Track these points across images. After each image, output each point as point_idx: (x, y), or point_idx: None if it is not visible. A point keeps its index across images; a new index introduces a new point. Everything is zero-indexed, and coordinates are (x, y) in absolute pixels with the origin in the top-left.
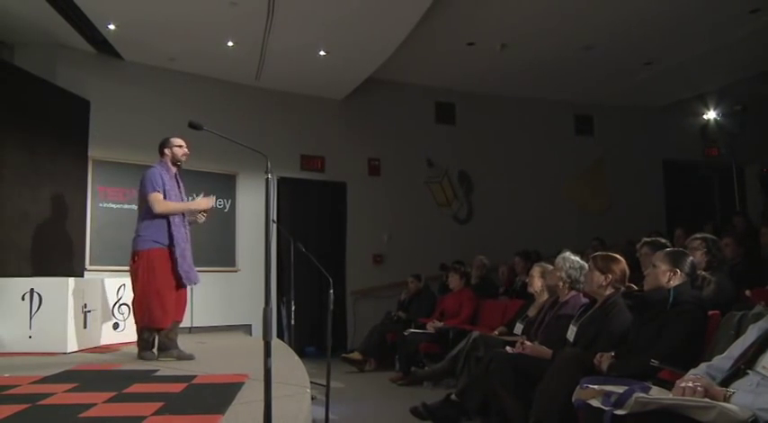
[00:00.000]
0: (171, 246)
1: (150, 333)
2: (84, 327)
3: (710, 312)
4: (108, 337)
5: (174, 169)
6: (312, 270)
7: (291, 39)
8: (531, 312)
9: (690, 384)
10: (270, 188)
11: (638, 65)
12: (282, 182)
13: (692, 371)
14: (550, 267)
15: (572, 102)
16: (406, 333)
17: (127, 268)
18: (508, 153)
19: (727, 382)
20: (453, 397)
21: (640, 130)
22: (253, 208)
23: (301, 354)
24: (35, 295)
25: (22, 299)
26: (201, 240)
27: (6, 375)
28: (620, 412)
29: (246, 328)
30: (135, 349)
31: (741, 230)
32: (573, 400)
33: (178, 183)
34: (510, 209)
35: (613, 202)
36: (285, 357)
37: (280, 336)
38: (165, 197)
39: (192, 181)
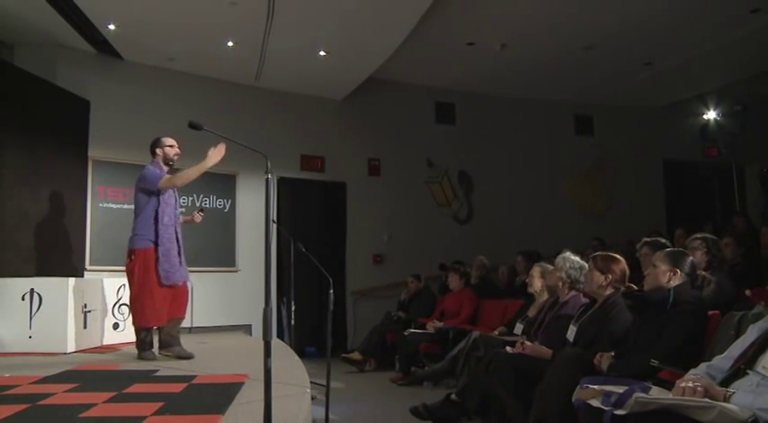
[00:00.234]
0: (156, 244)
1: (147, 332)
2: (84, 327)
3: (710, 312)
4: (108, 337)
5: (166, 169)
6: (312, 270)
7: (291, 39)
8: (531, 312)
9: (690, 384)
10: (270, 188)
11: (638, 65)
12: (282, 182)
13: (692, 371)
14: (550, 267)
15: (572, 102)
16: (406, 333)
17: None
18: (508, 153)
19: (727, 382)
20: (453, 397)
21: (640, 130)
22: (253, 208)
23: (301, 354)
24: (35, 295)
25: (22, 299)
26: (201, 240)
27: (6, 375)
28: (620, 412)
29: (246, 328)
30: (135, 349)
31: (741, 230)
32: (573, 400)
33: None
34: (510, 209)
35: (613, 202)
36: (285, 357)
37: (280, 336)
38: (160, 195)
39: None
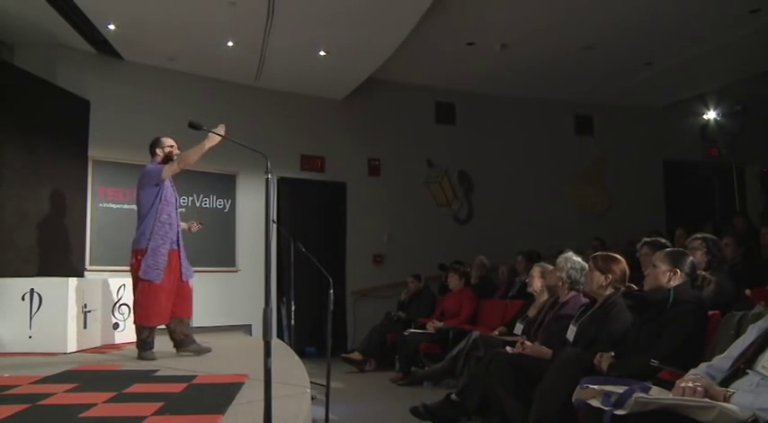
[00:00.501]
0: (148, 239)
1: (150, 332)
2: (84, 327)
3: (710, 312)
4: (108, 337)
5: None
6: (312, 270)
7: (291, 39)
8: (531, 313)
9: (690, 384)
10: (270, 188)
11: (638, 65)
12: (282, 182)
13: (692, 371)
14: (550, 267)
15: (572, 102)
16: (406, 333)
17: (127, 268)
18: (508, 153)
19: (726, 381)
20: (453, 397)
21: (640, 130)
22: (253, 208)
23: (301, 354)
24: (35, 295)
25: (22, 299)
26: (201, 240)
27: (6, 375)
28: (620, 412)
29: (246, 328)
30: (134, 350)
31: (741, 230)
32: (573, 400)
33: (171, 181)
34: (510, 209)
35: (613, 202)
36: (285, 357)
37: (280, 336)
38: (159, 193)
39: (192, 181)
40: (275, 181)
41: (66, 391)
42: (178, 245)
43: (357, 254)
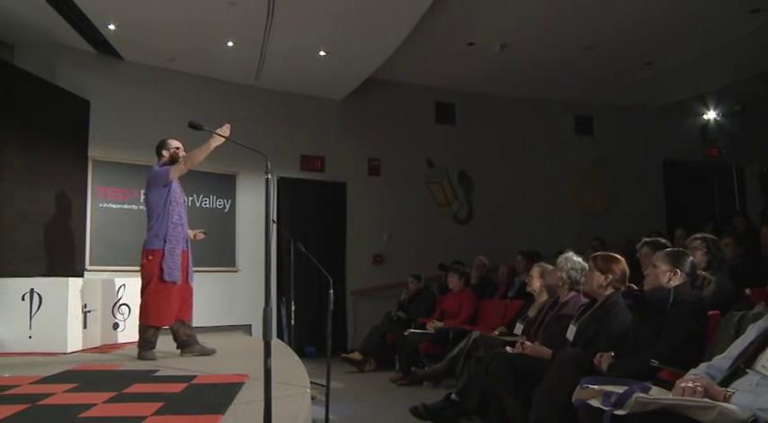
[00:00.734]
0: (164, 241)
1: (155, 332)
2: (84, 327)
3: (710, 312)
4: (108, 337)
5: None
6: (312, 270)
7: (291, 39)
8: (531, 313)
9: (690, 384)
10: (270, 188)
11: (638, 65)
12: (282, 182)
13: (692, 371)
14: (550, 267)
15: (572, 102)
16: (405, 333)
17: (127, 268)
18: (508, 153)
19: (726, 381)
20: (453, 397)
21: (640, 131)
22: (253, 208)
23: (301, 354)
24: (35, 295)
25: (22, 299)
26: (201, 241)
27: (6, 375)
28: (620, 412)
29: (246, 328)
30: (135, 349)
31: (741, 230)
32: (573, 400)
33: (178, 182)
34: (510, 209)
35: (613, 202)
36: (285, 357)
37: (280, 336)
38: (169, 195)
39: (192, 181)
40: (275, 181)
41: (66, 391)
42: (187, 246)
43: (357, 254)
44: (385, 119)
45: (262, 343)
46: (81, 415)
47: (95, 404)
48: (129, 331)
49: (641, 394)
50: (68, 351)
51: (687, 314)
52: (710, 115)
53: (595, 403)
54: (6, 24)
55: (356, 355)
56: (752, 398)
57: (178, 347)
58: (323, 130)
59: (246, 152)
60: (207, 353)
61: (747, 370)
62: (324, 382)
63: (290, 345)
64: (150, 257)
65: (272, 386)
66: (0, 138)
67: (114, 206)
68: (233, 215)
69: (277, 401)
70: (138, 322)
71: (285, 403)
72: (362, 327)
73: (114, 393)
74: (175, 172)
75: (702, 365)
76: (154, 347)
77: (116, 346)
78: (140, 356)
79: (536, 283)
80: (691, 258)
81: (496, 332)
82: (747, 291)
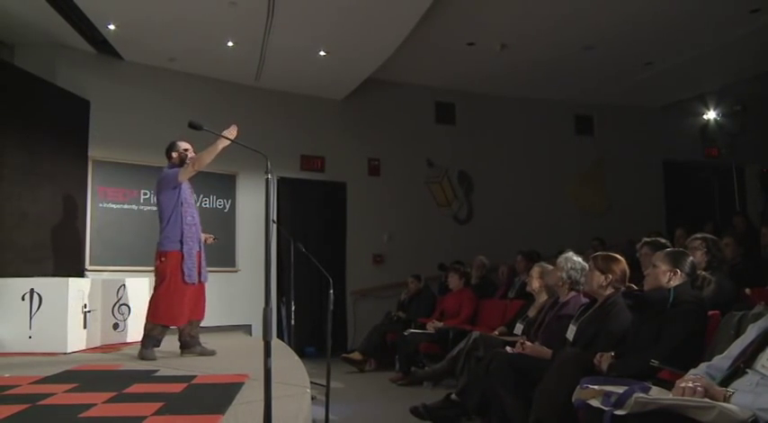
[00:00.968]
0: (181, 243)
1: (163, 331)
2: (84, 327)
3: (710, 312)
4: (108, 337)
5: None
6: (312, 270)
7: (291, 39)
8: (531, 313)
9: (690, 384)
10: (270, 188)
11: (638, 65)
12: (282, 182)
13: (692, 371)
14: (550, 267)
15: (572, 102)
16: (406, 333)
17: (127, 268)
18: (508, 153)
19: (726, 381)
20: (453, 397)
21: (640, 130)
22: (253, 208)
23: (301, 354)
24: (35, 295)
25: (22, 299)
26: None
27: (6, 375)
28: (620, 412)
29: (246, 328)
30: (135, 349)
31: (741, 230)
32: (573, 400)
33: (189, 183)
34: (510, 209)
35: (613, 202)
36: (285, 357)
37: (280, 336)
38: (179, 196)
39: (193, 181)
40: (275, 181)
41: (66, 391)
42: (200, 246)
43: (357, 254)
44: (385, 119)
45: (262, 343)
46: (81, 415)
47: (95, 404)
48: (129, 331)
49: (641, 394)
50: (68, 351)
51: (687, 314)
52: (710, 115)
53: (595, 403)
54: (6, 24)
55: (356, 355)
56: (752, 398)
57: (180, 347)
58: (323, 130)
59: (246, 152)
60: (207, 354)
61: (747, 370)
62: (324, 382)
63: (290, 345)
64: (163, 259)
65: (272, 386)
66: (0, 138)
67: (114, 206)
68: (233, 215)
69: (277, 401)
70: (144, 320)
71: (285, 403)
72: (362, 327)
73: (114, 393)
74: (184, 174)
75: (702, 365)
76: (158, 345)
77: (116, 346)
78: (141, 354)
79: (536, 284)
80: (691, 258)
81: (496, 332)
82: (747, 291)
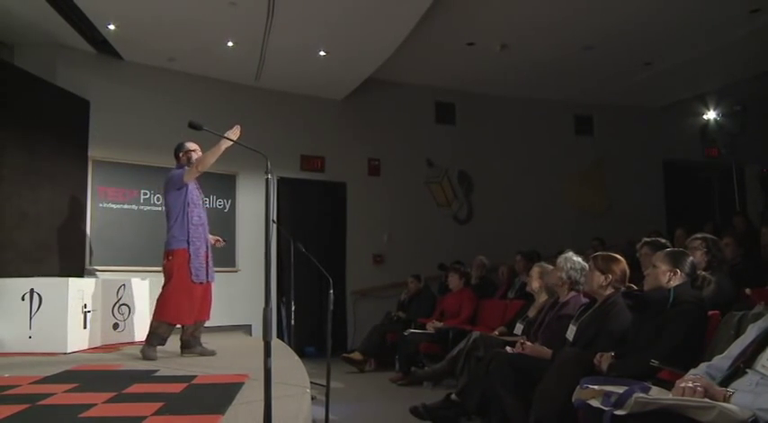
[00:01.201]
0: (188, 242)
1: (169, 329)
2: (84, 327)
3: (710, 312)
4: (108, 337)
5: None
6: (312, 270)
7: (291, 39)
8: (531, 313)
9: (690, 384)
10: (270, 188)
11: (638, 65)
12: (282, 182)
13: (692, 371)
14: (550, 267)
15: (572, 102)
16: (405, 333)
17: (127, 268)
18: (508, 153)
19: (726, 381)
20: (453, 397)
21: (640, 131)
22: (253, 208)
23: (301, 354)
24: (35, 295)
25: (22, 299)
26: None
27: (6, 375)
28: (619, 412)
29: (246, 328)
30: (135, 349)
31: (741, 230)
32: (573, 400)
33: (196, 184)
34: (510, 209)
35: (613, 202)
36: (285, 357)
37: (280, 336)
38: (186, 197)
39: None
40: (275, 181)
41: (66, 391)
42: (207, 245)
43: (357, 254)
44: (385, 119)
45: (262, 343)
46: (81, 415)
47: (95, 404)
48: (129, 331)
49: (641, 394)
50: (68, 351)
51: (687, 314)
52: (710, 115)
53: (595, 403)
54: (6, 24)
55: (356, 355)
56: (752, 398)
57: (181, 347)
58: (323, 130)
59: (246, 152)
60: (207, 354)
61: (747, 370)
62: (324, 382)
63: (290, 345)
64: (170, 257)
65: (272, 386)
66: (0, 138)
67: (114, 206)
68: (233, 215)
69: (277, 401)
70: (150, 319)
71: (285, 403)
72: (362, 327)
73: (114, 393)
74: (188, 175)
75: (702, 365)
76: (164, 344)
77: (116, 346)
78: (144, 352)
79: (536, 284)
80: (691, 258)
81: (496, 332)
82: (747, 291)
